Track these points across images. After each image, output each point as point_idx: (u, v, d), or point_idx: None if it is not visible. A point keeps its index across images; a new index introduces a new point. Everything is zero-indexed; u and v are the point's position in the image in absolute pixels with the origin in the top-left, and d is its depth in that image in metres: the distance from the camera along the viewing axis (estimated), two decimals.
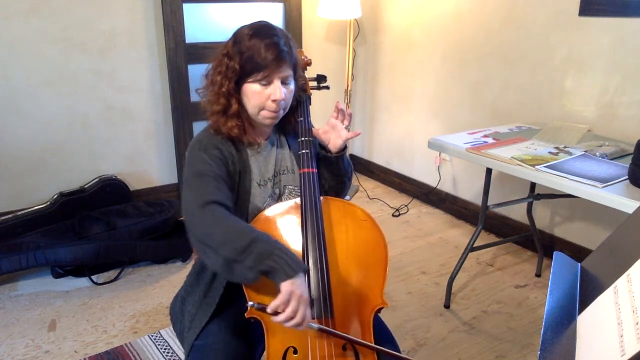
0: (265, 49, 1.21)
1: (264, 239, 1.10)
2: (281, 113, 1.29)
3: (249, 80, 1.24)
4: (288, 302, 1.04)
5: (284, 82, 1.25)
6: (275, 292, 1.15)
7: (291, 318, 1.04)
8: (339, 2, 3.17)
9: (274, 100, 1.24)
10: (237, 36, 1.26)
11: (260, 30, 1.24)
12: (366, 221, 1.30)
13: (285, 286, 1.05)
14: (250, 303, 1.08)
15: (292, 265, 1.06)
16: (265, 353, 1.14)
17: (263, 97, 1.24)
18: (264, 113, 1.26)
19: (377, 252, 1.25)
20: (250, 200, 1.30)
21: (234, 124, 1.27)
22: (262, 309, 1.07)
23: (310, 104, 1.45)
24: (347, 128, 1.37)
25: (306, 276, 1.12)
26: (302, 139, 1.34)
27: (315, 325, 1.09)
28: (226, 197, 1.20)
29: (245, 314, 1.15)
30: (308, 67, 1.54)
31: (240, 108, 1.28)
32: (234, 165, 1.28)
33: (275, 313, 1.05)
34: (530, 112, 2.70)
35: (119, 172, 3.06)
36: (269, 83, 1.24)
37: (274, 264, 1.06)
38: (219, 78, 1.26)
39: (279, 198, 1.37)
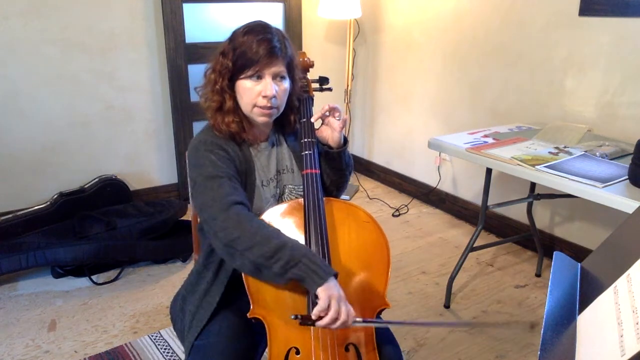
0: (257, 44, 1.22)
1: (291, 245, 1.11)
2: (274, 112, 1.29)
3: (241, 77, 1.25)
4: (329, 306, 1.06)
5: (276, 79, 1.26)
6: (277, 288, 1.15)
7: (336, 319, 1.06)
8: (339, 2, 3.17)
9: (264, 96, 1.24)
10: (232, 35, 1.28)
11: (254, 27, 1.26)
12: (368, 222, 1.30)
13: (322, 292, 1.07)
14: (293, 316, 1.09)
15: (320, 273, 1.08)
16: (267, 354, 1.14)
17: (254, 93, 1.25)
18: (256, 110, 1.26)
19: (379, 254, 1.25)
20: (254, 201, 1.30)
21: (231, 119, 1.28)
22: (307, 319, 1.08)
23: (312, 105, 1.45)
24: (338, 118, 1.36)
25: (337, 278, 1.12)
26: (305, 140, 1.34)
27: (360, 319, 1.12)
28: (244, 196, 1.22)
29: (248, 314, 1.15)
30: (310, 69, 1.54)
31: (235, 105, 1.29)
32: (241, 165, 1.29)
33: (319, 318, 1.07)
34: (530, 112, 2.70)
35: (119, 172, 3.06)
36: (260, 78, 1.24)
37: (302, 272, 1.08)
38: (213, 76, 1.28)
39: (279, 198, 1.37)
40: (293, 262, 1.08)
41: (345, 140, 1.38)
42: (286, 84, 1.29)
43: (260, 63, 1.22)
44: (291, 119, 1.38)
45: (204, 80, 1.32)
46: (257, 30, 1.25)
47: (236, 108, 1.29)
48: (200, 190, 1.20)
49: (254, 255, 1.10)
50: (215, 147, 1.26)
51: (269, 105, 1.25)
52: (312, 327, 1.13)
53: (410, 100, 3.46)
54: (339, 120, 1.34)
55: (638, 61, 2.24)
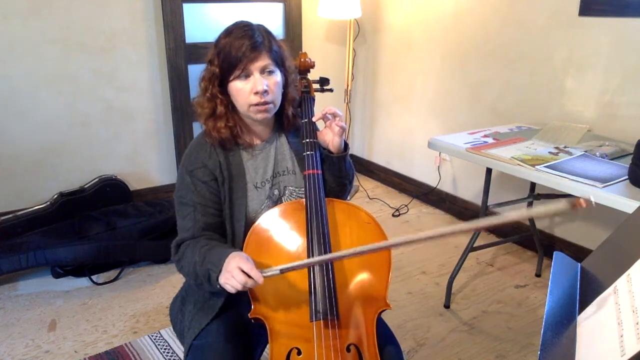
0: (238, 42, 1.23)
1: (202, 265, 1.19)
2: (271, 107, 1.28)
3: (231, 80, 1.25)
4: (233, 281, 1.09)
5: (264, 73, 1.25)
6: (278, 288, 1.17)
7: (245, 282, 1.08)
8: (339, 2, 3.17)
9: (256, 93, 1.23)
10: (216, 41, 1.30)
11: (234, 28, 1.27)
12: (370, 224, 1.30)
13: (221, 280, 1.13)
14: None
15: (214, 268, 1.14)
16: (268, 354, 1.14)
17: (246, 92, 1.24)
18: (253, 109, 1.26)
19: (380, 255, 1.25)
20: (247, 203, 1.31)
21: (222, 125, 1.28)
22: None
23: (314, 105, 1.45)
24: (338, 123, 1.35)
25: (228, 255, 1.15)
26: (307, 140, 1.34)
27: (276, 269, 1.09)
28: (200, 225, 1.28)
29: (249, 314, 1.15)
30: (311, 70, 1.54)
31: (229, 110, 1.29)
32: (222, 174, 1.29)
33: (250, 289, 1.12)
34: (530, 112, 2.70)
35: (119, 172, 3.06)
36: (248, 76, 1.24)
37: (214, 279, 1.14)
38: (204, 84, 1.30)
39: (278, 199, 1.37)
40: (207, 276, 1.16)
41: (346, 147, 1.37)
42: (276, 77, 1.27)
43: (244, 60, 1.22)
44: (289, 113, 1.36)
45: (199, 92, 1.34)
46: (237, 29, 1.26)
47: (228, 113, 1.29)
48: (176, 210, 1.36)
49: (191, 280, 1.26)
50: (196, 166, 1.30)
51: (262, 101, 1.24)
52: (314, 327, 1.13)
53: (410, 100, 3.46)
54: (339, 126, 1.33)
55: (638, 61, 2.24)
